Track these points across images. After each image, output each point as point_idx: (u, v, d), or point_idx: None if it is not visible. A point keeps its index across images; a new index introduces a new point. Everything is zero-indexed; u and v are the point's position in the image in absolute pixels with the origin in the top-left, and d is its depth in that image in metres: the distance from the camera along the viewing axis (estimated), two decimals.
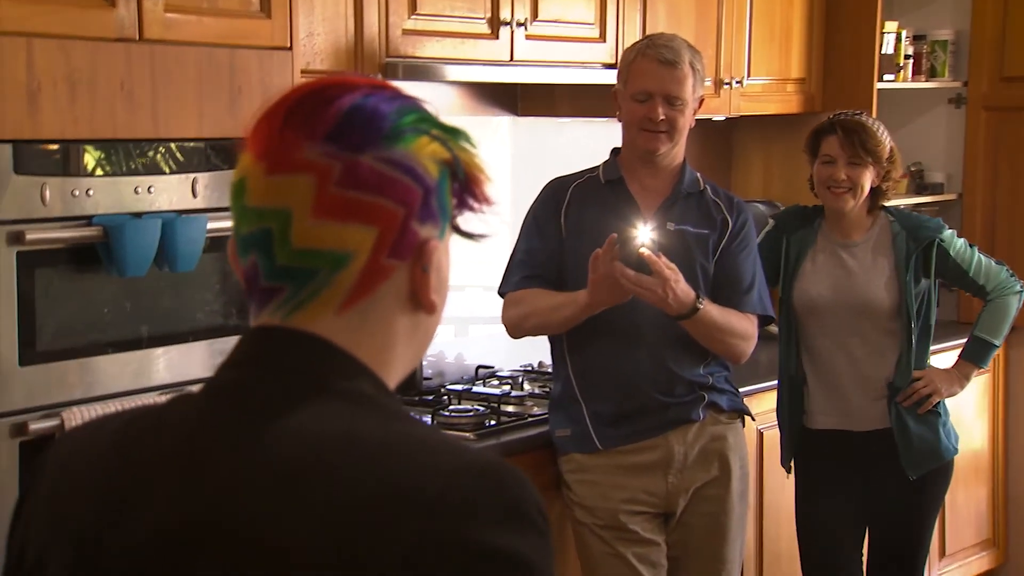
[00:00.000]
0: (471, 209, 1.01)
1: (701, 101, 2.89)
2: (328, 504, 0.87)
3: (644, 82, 2.80)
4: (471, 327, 3.73)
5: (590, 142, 3.67)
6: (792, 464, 3.27)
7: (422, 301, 0.99)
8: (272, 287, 0.97)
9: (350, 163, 0.94)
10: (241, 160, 0.98)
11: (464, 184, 1.00)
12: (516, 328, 2.89)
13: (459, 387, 3.42)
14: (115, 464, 0.96)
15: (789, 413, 3.24)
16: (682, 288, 2.67)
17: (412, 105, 0.99)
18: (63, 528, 0.96)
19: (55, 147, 2.17)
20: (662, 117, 2.79)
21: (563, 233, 2.84)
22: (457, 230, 1.02)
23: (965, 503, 4.39)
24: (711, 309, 2.75)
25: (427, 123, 0.98)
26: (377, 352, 0.98)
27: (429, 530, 0.86)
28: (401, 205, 0.96)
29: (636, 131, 2.83)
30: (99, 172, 2.23)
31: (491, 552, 0.87)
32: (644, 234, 2.65)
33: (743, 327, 2.83)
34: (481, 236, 1.03)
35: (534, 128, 3.84)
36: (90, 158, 2.22)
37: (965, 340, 3.28)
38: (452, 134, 1.00)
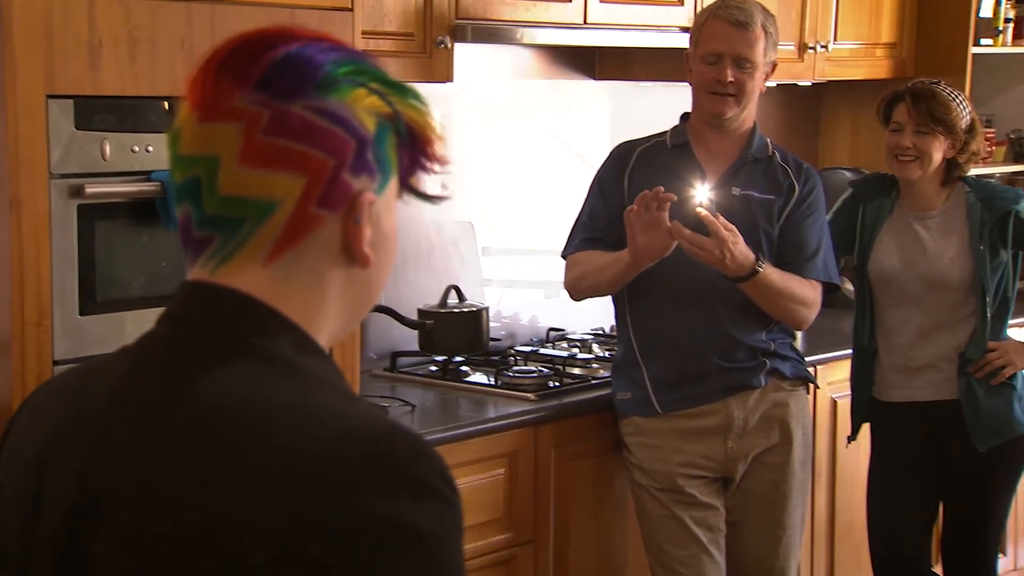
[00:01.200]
0: (423, 168, 1.00)
1: (774, 66, 2.85)
2: (214, 477, 0.88)
3: (714, 43, 2.77)
4: (545, 290, 3.75)
5: (670, 107, 3.65)
6: (856, 434, 3.23)
7: (355, 254, 0.98)
8: (203, 237, 0.97)
9: (279, 111, 0.94)
10: (180, 109, 0.98)
11: (411, 142, 0.99)
12: (574, 290, 2.90)
13: (527, 348, 3.44)
14: (54, 416, 0.99)
15: (858, 383, 3.20)
16: (740, 250, 2.64)
17: (351, 57, 0.98)
18: (16, 473, 1.00)
19: (116, 103, 2.24)
20: (731, 79, 2.76)
21: (626, 197, 2.83)
22: (411, 190, 1.01)
23: None
24: (771, 272, 2.72)
25: (365, 76, 0.97)
26: (306, 306, 0.98)
27: (306, 502, 0.85)
28: (331, 155, 0.95)
29: (704, 94, 2.81)
30: (159, 129, 2.29)
31: (372, 521, 0.86)
32: (702, 194, 2.64)
33: (804, 293, 2.79)
34: (437, 198, 1.02)
35: (613, 91, 3.83)
36: (151, 115, 2.29)
37: None
38: (396, 89, 0.99)
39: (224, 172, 0.95)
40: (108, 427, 0.94)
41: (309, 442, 0.88)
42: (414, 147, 0.99)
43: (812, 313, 2.82)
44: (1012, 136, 4.60)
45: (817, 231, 2.86)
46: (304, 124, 0.94)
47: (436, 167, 1.00)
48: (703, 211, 2.61)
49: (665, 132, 2.93)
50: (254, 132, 0.94)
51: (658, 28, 3.41)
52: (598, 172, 2.95)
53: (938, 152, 3.02)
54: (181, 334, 0.97)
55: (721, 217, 2.63)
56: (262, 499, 0.86)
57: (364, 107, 0.96)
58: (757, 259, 2.68)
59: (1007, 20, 4.39)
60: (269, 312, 0.96)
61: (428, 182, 1.02)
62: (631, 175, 2.87)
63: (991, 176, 4.26)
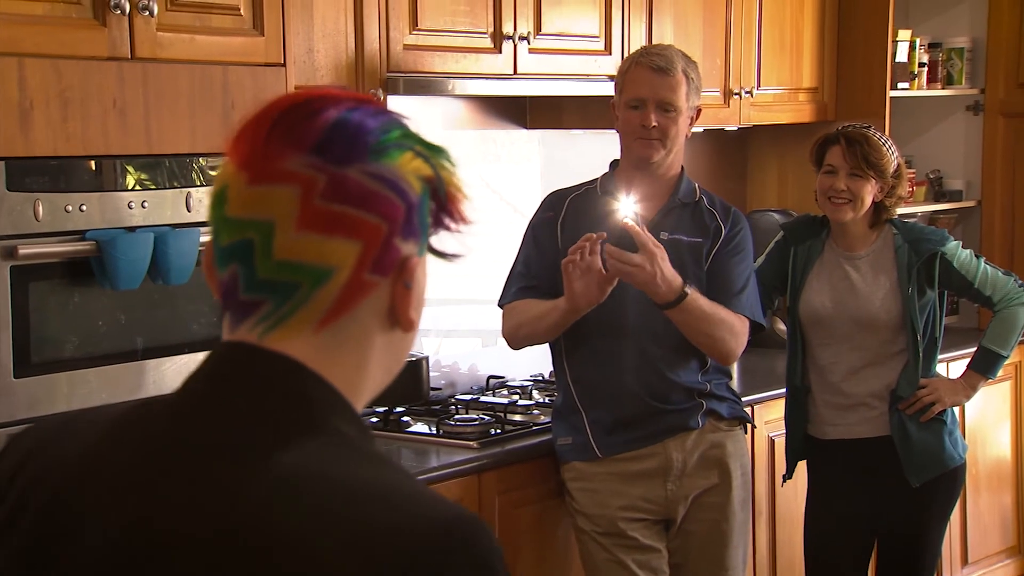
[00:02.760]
0: (446, 228, 1.00)
1: (698, 111, 2.91)
2: (295, 544, 0.86)
3: (637, 89, 2.83)
4: (483, 339, 3.76)
5: (600, 154, 3.70)
6: (792, 472, 3.28)
7: (400, 318, 0.98)
8: (251, 300, 0.95)
9: (336, 176, 0.93)
10: (222, 169, 0.97)
11: (443, 202, 0.99)
12: (512, 338, 2.93)
13: (468, 397, 3.45)
14: (75, 472, 0.95)
15: (792, 422, 3.25)
16: (668, 268, 2.67)
17: (396, 121, 0.98)
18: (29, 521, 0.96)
19: (48, 164, 2.23)
20: (654, 124, 2.81)
21: (559, 244, 2.86)
22: (431, 249, 1.01)
23: (988, 510, 4.36)
24: (699, 298, 2.74)
25: (411, 139, 0.98)
26: (351, 372, 0.97)
27: None
28: (385, 220, 0.95)
29: (631, 139, 2.86)
30: (92, 188, 2.29)
31: None
32: (627, 206, 2.67)
33: (731, 322, 2.82)
34: (455, 256, 1.02)
35: (544, 140, 3.88)
36: (83, 174, 2.28)
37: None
38: (434, 151, 0.99)
39: (280, 236, 0.93)
40: (160, 484, 0.91)
41: (387, 518, 0.88)
42: (441, 207, 0.99)
43: (739, 344, 2.85)
44: (931, 176, 4.72)
45: (744, 270, 2.91)
46: (361, 189, 0.94)
47: (464, 226, 1.01)
48: (629, 222, 2.63)
49: (596, 179, 2.97)
50: (311, 196, 0.93)
51: (587, 77, 3.47)
52: (531, 221, 2.99)
53: (869, 195, 3.10)
54: (232, 397, 0.94)
55: (647, 231, 2.66)
56: (340, 569, 0.85)
57: (411, 170, 0.97)
58: (685, 283, 2.71)
59: (921, 64, 4.53)
60: (322, 384, 0.95)
61: (448, 240, 1.01)
62: (563, 223, 2.91)
63: (913, 215, 4.37)
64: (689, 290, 2.71)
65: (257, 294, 0.95)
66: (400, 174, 0.95)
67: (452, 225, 1.00)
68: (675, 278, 2.69)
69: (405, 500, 0.90)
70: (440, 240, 1.01)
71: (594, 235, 2.64)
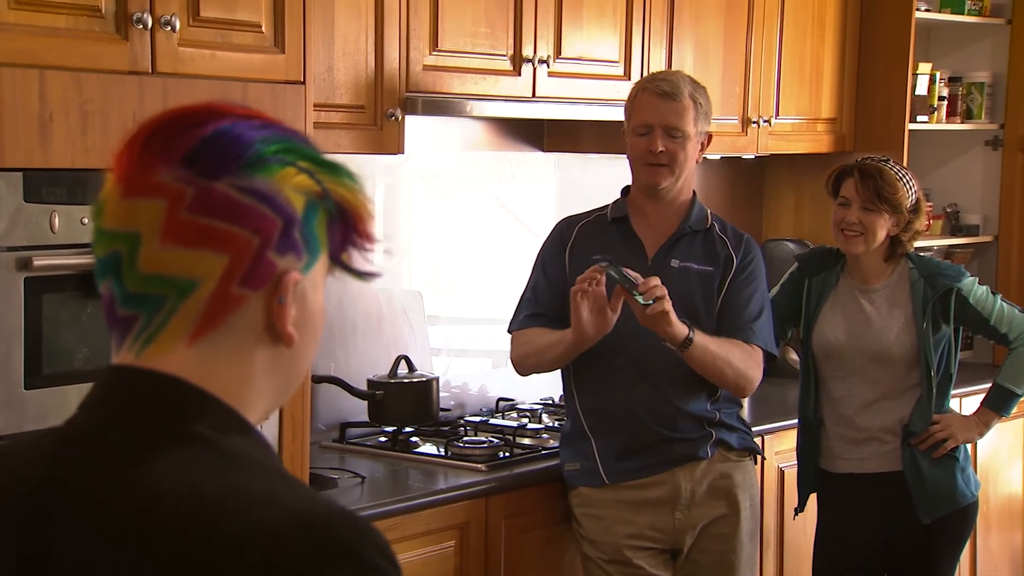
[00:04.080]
0: (355, 246, 1.00)
1: (709, 137, 2.90)
2: (149, 570, 0.87)
3: (644, 115, 2.82)
4: (493, 359, 3.76)
5: (616, 179, 3.69)
6: (804, 505, 3.25)
7: (279, 333, 0.97)
8: (126, 316, 0.96)
9: (203, 189, 0.93)
10: (104, 183, 0.98)
11: (342, 220, 0.98)
12: (519, 366, 2.93)
13: (477, 419, 3.44)
14: None
15: (804, 454, 3.23)
16: (674, 317, 2.66)
17: (281, 135, 0.97)
18: None
19: (66, 176, 2.23)
20: (661, 149, 2.80)
21: (567, 272, 2.86)
22: (343, 267, 1.01)
23: (999, 547, 4.32)
24: (706, 340, 2.73)
25: (294, 154, 0.97)
26: (234, 384, 0.97)
27: None
28: (256, 234, 0.95)
29: (639, 166, 2.86)
30: None
31: None
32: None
33: (744, 358, 2.80)
34: (369, 275, 1.02)
35: (560, 163, 3.87)
36: (100, 187, 2.28)
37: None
38: (326, 168, 0.98)
39: (146, 248, 0.94)
40: (45, 518, 0.92)
41: (249, 530, 0.88)
42: (346, 225, 0.99)
43: (755, 377, 2.84)
44: (948, 210, 4.70)
45: (758, 299, 2.89)
46: (229, 202, 0.94)
47: (367, 245, 1.00)
48: (621, 287, 2.62)
49: (607, 206, 2.97)
50: (178, 209, 0.94)
51: (605, 102, 3.46)
52: (541, 248, 2.99)
53: (882, 229, 3.08)
54: (111, 421, 0.95)
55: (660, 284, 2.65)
56: None
57: (292, 186, 0.96)
58: (690, 328, 2.70)
59: (941, 98, 4.52)
60: (196, 392, 0.95)
61: (360, 259, 1.01)
62: (571, 250, 2.90)
63: (929, 249, 4.35)
64: (693, 336, 2.69)
65: (130, 308, 0.96)
66: (276, 188, 0.95)
67: (359, 242, 1.00)
68: (679, 326, 2.67)
69: (270, 503, 0.90)
70: (357, 259, 1.01)
71: (601, 266, 2.63)
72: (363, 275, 1.01)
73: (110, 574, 0.88)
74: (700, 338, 2.71)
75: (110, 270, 0.96)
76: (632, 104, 2.87)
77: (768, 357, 2.90)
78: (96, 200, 0.98)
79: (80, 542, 0.90)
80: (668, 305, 2.62)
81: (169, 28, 2.32)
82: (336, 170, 0.99)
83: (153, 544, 0.88)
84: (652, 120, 2.81)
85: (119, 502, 0.90)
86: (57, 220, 2.22)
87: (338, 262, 1.00)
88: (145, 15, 2.28)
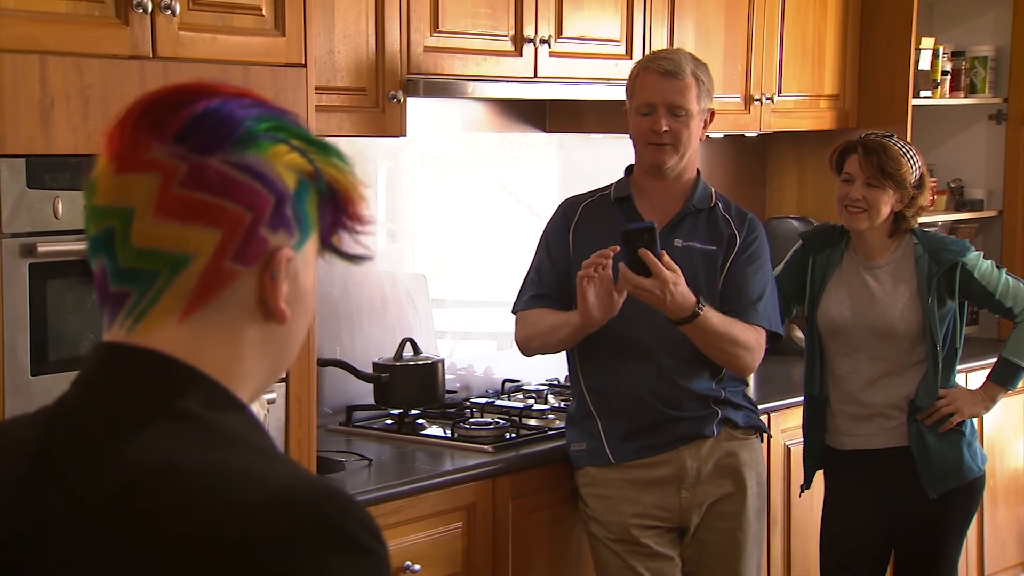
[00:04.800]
0: (345, 228, 1.00)
1: (712, 115, 2.89)
2: (141, 550, 0.87)
3: (646, 94, 2.81)
4: (498, 341, 3.76)
5: (619, 158, 3.69)
6: (810, 482, 3.26)
7: (272, 310, 0.98)
8: (119, 292, 0.96)
9: (196, 164, 0.94)
10: (97, 162, 0.98)
11: (333, 201, 0.99)
12: (524, 347, 2.93)
13: (483, 400, 3.44)
14: None
15: (810, 431, 3.23)
16: (681, 291, 2.65)
17: (272, 114, 0.98)
18: None
19: (68, 162, 2.23)
20: (665, 128, 2.79)
21: (571, 252, 2.85)
22: (332, 249, 1.01)
23: (1006, 522, 4.33)
24: (712, 316, 2.73)
25: (285, 132, 0.97)
26: (225, 361, 0.97)
27: (233, 570, 0.85)
28: (248, 210, 0.95)
29: (643, 145, 2.85)
30: None
31: None
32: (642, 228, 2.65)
33: (746, 337, 2.80)
34: (358, 257, 1.01)
35: (563, 143, 3.87)
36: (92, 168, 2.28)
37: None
38: (318, 147, 0.98)
39: (139, 223, 0.94)
40: (32, 497, 0.93)
41: (231, 507, 0.87)
42: (336, 206, 0.99)
43: (755, 358, 2.83)
44: (952, 185, 4.69)
45: (760, 279, 2.88)
46: (221, 178, 0.94)
47: (358, 226, 1.00)
48: (645, 250, 2.62)
49: (610, 186, 2.96)
50: (170, 184, 0.94)
51: (607, 81, 3.45)
52: (545, 228, 2.98)
53: (886, 205, 3.07)
54: (99, 398, 0.95)
55: (666, 256, 2.64)
56: (189, 569, 0.86)
57: (284, 163, 0.97)
58: (698, 301, 2.69)
59: (944, 73, 4.50)
60: (186, 369, 0.95)
61: (350, 241, 1.01)
62: (575, 230, 2.90)
63: (933, 224, 4.34)
64: (701, 310, 2.69)
65: (122, 285, 0.96)
66: (269, 165, 0.96)
67: (349, 224, 1.00)
68: (687, 299, 2.66)
69: (253, 479, 0.90)
70: (349, 241, 1.01)
71: (608, 250, 2.62)
72: (354, 258, 1.01)
73: (94, 554, 0.89)
74: (707, 312, 2.70)
75: (103, 247, 0.96)
76: (634, 83, 2.86)
77: (773, 336, 2.90)
78: (88, 178, 0.98)
79: (66, 522, 0.91)
80: (669, 290, 2.61)
81: (169, 12, 2.32)
82: (327, 150, 0.99)
83: (133, 523, 0.88)
84: (655, 99, 2.80)
85: (103, 481, 0.91)
86: (61, 206, 2.21)
87: (328, 245, 1.00)
88: None
